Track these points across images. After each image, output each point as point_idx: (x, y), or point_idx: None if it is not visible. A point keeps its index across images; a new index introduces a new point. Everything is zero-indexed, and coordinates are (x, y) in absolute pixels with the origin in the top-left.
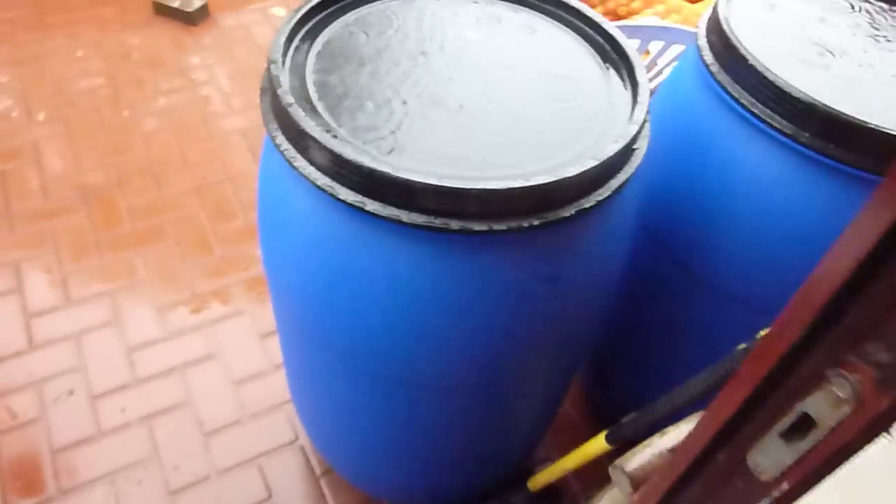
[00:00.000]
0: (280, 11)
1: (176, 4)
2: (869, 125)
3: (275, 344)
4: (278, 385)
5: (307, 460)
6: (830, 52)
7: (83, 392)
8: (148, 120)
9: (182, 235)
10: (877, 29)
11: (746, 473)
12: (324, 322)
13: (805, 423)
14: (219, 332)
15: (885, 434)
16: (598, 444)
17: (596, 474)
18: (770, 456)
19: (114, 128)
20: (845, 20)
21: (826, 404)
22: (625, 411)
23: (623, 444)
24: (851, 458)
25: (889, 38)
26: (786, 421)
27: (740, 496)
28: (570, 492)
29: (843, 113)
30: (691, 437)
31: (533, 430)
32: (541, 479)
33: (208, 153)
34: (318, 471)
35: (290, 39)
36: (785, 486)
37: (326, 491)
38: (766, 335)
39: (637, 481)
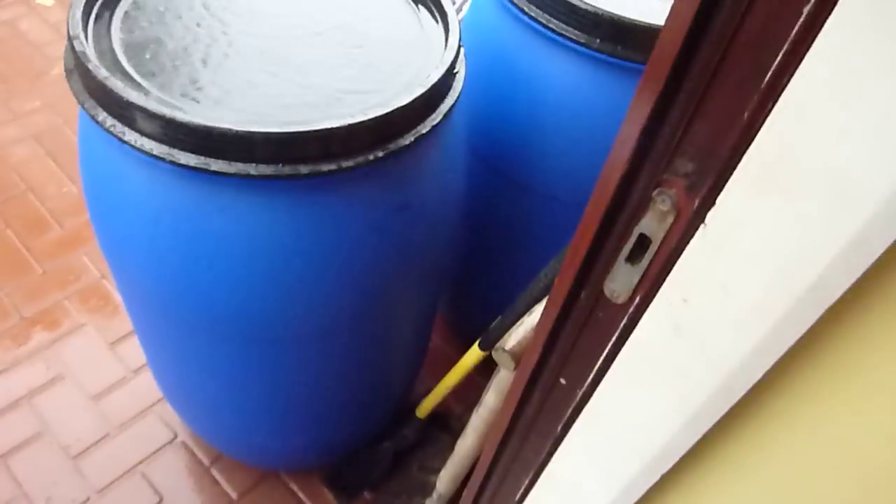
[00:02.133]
0: (47, 1)
1: None
2: (645, 24)
3: (128, 349)
4: (142, 388)
5: (193, 454)
6: None
7: None
8: None
9: None
10: None
11: (605, 302)
12: (187, 297)
13: (643, 243)
14: (61, 351)
15: (701, 227)
16: (473, 353)
17: (473, 394)
18: (621, 280)
19: None
20: None
21: (655, 221)
22: (488, 325)
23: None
24: (681, 258)
25: None
26: (628, 245)
27: (603, 325)
28: (454, 413)
29: (624, 17)
30: (556, 286)
31: (409, 365)
32: (427, 405)
33: None
34: (206, 461)
35: (87, 12)
36: (637, 300)
37: (219, 477)
38: (600, 175)
39: (517, 356)
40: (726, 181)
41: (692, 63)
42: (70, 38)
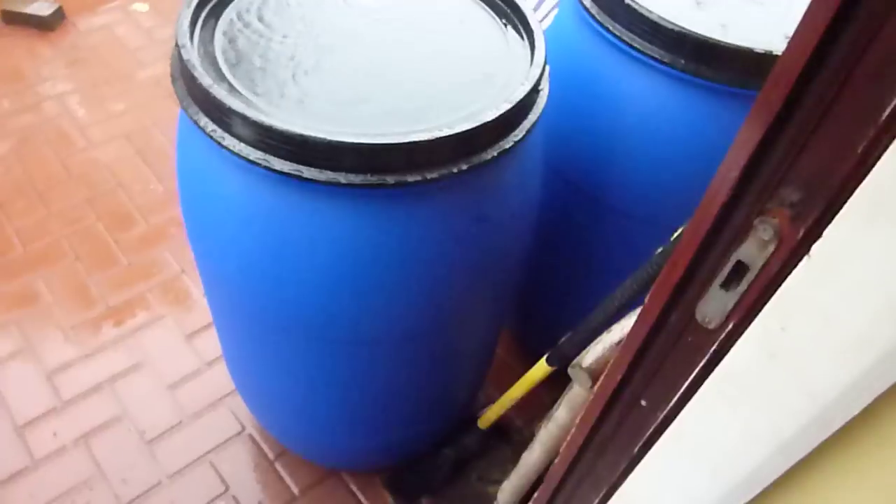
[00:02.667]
0: (142, 7)
1: (29, 10)
2: (731, 45)
3: (203, 342)
4: (215, 381)
5: (259, 447)
6: None
7: (6, 424)
8: (15, 136)
9: (83, 250)
10: None
11: (695, 327)
12: (271, 297)
13: (740, 270)
14: (142, 340)
15: (805, 257)
16: (540, 368)
17: (535, 408)
18: (714, 305)
19: None
20: None
21: (755, 248)
22: (552, 342)
23: (563, 363)
24: (781, 286)
25: None
26: (724, 271)
27: (692, 349)
28: (514, 426)
29: (710, 38)
30: (646, 307)
31: (476, 372)
32: (490, 416)
33: (92, 162)
34: (271, 455)
35: (193, 21)
36: (730, 326)
37: (283, 472)
38: (702, 201)
39: (595, 374)
40: (835, 213)
41: (807, 93)
42: (178, 47)
